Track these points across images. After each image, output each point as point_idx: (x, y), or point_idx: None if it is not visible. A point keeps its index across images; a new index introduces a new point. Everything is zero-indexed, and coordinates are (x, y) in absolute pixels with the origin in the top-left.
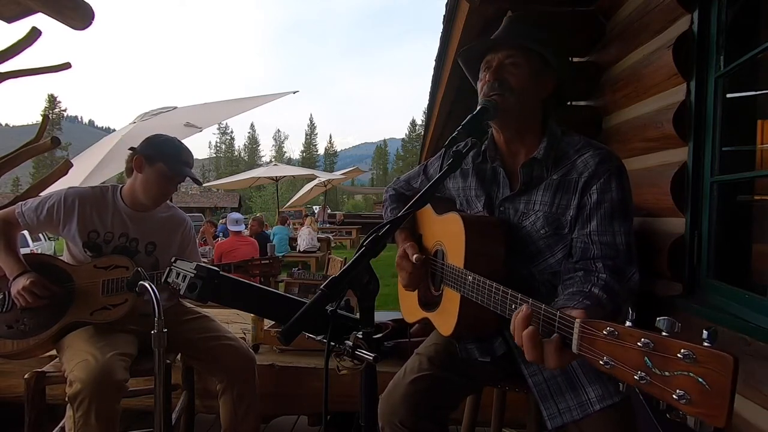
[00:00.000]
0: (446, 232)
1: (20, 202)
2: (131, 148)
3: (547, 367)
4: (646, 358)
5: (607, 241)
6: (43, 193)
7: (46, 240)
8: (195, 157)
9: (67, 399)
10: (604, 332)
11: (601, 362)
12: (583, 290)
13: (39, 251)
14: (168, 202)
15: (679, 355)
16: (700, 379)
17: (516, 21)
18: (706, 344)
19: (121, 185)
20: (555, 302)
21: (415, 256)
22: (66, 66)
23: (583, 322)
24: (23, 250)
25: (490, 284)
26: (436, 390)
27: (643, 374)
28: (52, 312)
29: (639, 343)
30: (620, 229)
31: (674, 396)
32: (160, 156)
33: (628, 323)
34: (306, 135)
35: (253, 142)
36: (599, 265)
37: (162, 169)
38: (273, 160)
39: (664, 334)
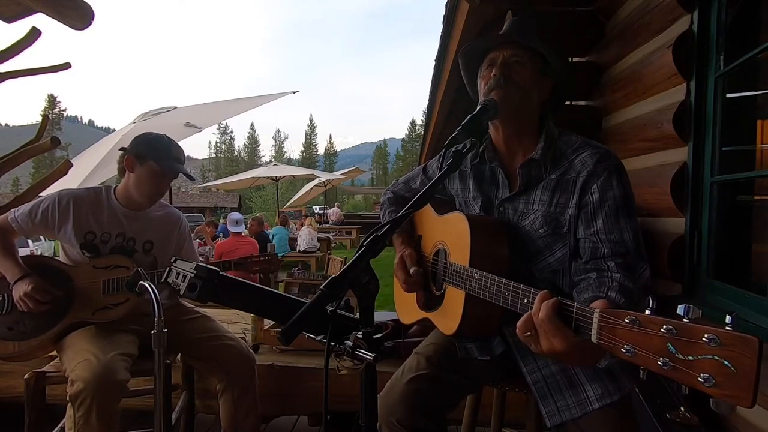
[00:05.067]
0: (449, 232)
1: (13, 209)
2: (122, 149)
3: (550, 350)
4: (669, 344)
5: (615, 239)
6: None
7: (45, 240)
8: (195, 157)
9: (68, 398)
10: (626, 320)
11: (622, 350)
12: (599, 295)
13: (39, 251)
14: (162, 200)
15: (704, 339)
16: (725, 362)
17: (521, 22)
18: (728, 328)
19: (114, 186)
20: None
21: (413, 269)
22: (66, 66)
23: (602, 311)
24: (23, 251)
25: (500, 280)
26: (434, 389)
27: (666, 360)
28: (53, 313)
29: (662, 330)
30: (626, 225)
31: (699, 379)
32: (150, 154)
33: (647, 311)
34: (306, 135)
35: (253, 142)
36: (611, 264)
37: (153, 166)
38: (273, 160)
39: (685, 320)
